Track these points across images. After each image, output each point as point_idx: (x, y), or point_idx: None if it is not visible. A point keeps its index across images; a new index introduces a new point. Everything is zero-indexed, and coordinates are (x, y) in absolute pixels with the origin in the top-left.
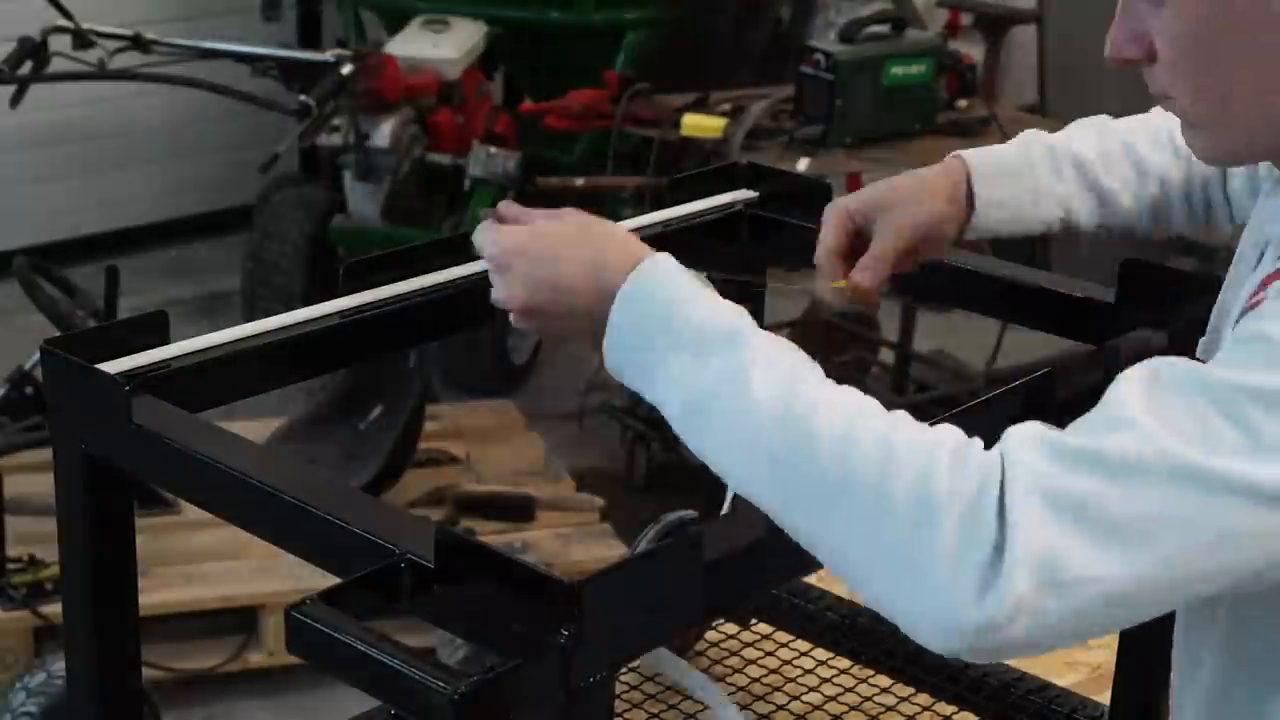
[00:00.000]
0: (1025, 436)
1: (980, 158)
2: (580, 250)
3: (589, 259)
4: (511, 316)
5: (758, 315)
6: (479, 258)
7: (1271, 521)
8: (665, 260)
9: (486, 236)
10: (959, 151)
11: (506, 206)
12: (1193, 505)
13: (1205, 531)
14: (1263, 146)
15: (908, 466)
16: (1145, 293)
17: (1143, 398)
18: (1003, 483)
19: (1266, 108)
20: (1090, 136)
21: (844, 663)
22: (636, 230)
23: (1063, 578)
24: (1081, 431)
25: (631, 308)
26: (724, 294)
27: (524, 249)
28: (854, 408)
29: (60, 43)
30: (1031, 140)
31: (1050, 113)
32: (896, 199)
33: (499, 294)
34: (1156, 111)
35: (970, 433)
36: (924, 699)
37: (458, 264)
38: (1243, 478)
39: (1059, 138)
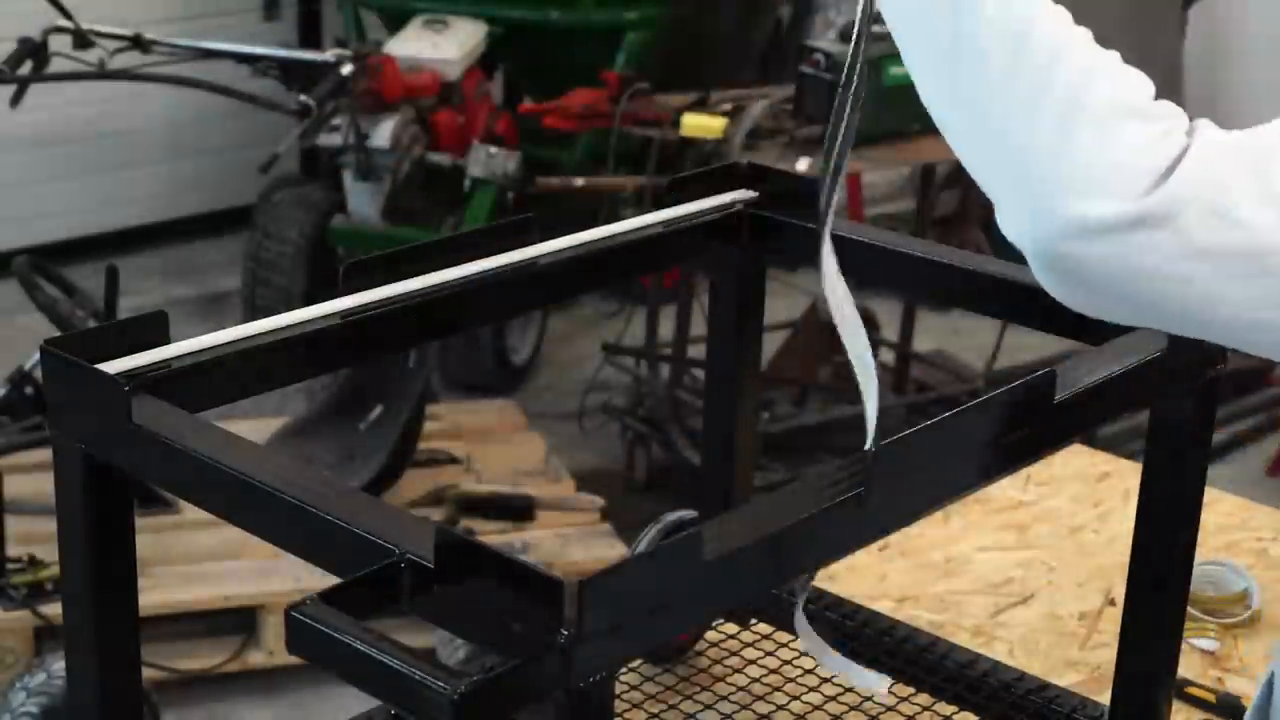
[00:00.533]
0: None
1: None
2: None
3: None
4: None
5: (758, 315)
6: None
7: None
8: None
9: None
10: None
11: None
12: None
13: None
14: None
15: (1111, 79)
16: None
17: None
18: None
19: None
20: None
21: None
22: (636, 230)
23: (1223, 207)
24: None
25: None
26: (724, 295)
27: None
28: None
29: (60, 43)
30: None
31: None
32: None
33: None
34: None
35: (969, 432)
36: (924, 699)
37: (458, 264)
38: None
39: None
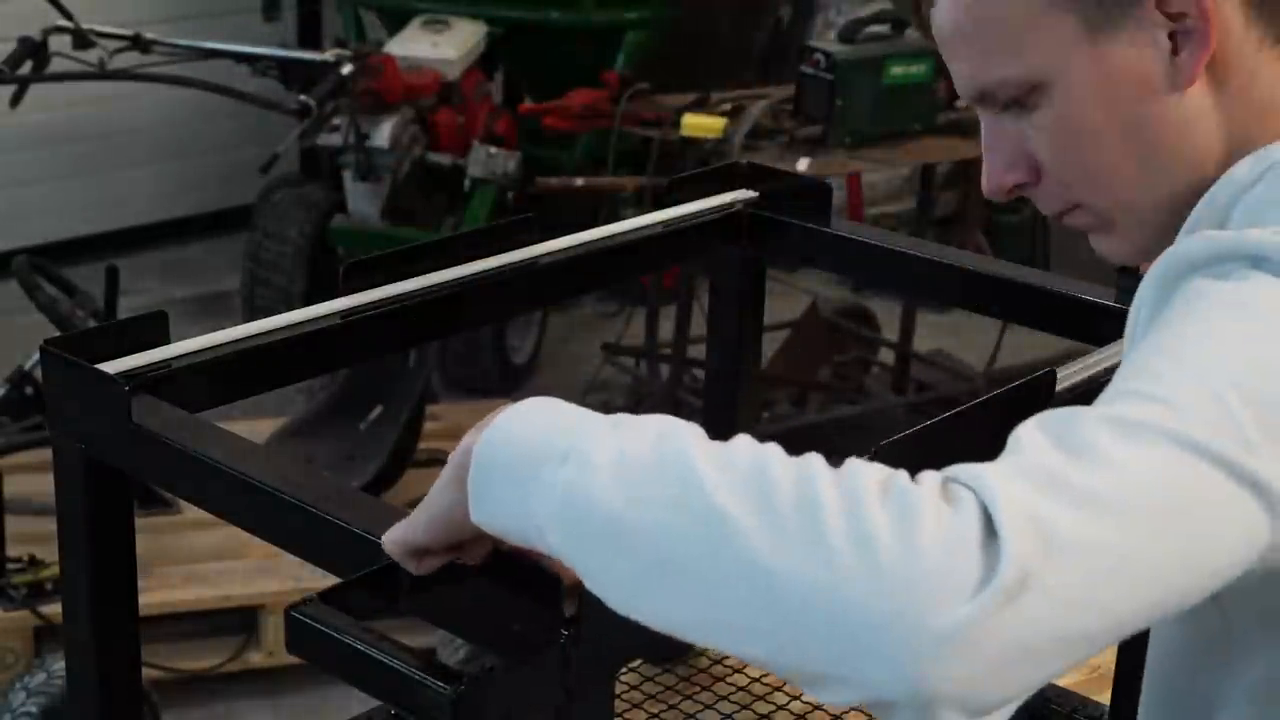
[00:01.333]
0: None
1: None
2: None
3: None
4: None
5: (758, 315)
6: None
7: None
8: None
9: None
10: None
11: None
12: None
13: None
14: (1173, 220)
15: (829, 506)
16: None
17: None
18: (962, 481)
19: (1168, 176)
20: None
21: None
22: (636, 230)
23: (1059, 543)
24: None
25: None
26: (724, 295)
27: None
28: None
29: (60, 43)
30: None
31: None
32: None
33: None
34: None
35: (969, 432)
36: None
37: (458, 264)
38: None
39: None
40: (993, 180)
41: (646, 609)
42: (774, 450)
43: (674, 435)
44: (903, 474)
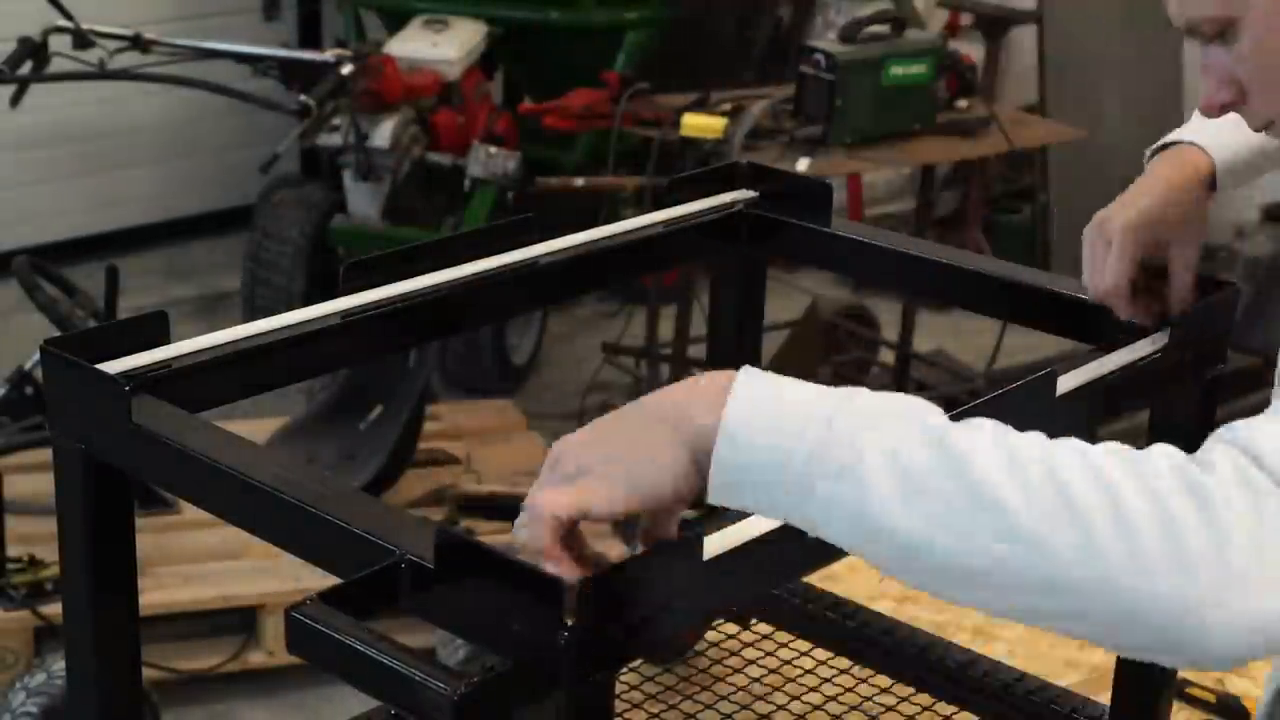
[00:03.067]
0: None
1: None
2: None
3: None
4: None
5: (758, 315)
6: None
7: None
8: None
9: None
10: (1196, 144)
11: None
12: None
13: None
14: None
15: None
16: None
17: None
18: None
19: None
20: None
21: (844, 663)
22: (636, 230)
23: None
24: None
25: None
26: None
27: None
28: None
29: (60, 43)
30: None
31: (1050, 113)
32: (1183, 217)
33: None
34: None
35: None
36: (924, 699)
37: (458, 264)
38: None
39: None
40: (1206, 100)
41: (956, 599)
42: (1045, 448)
43: (942, 440)
44: (1191, 465)
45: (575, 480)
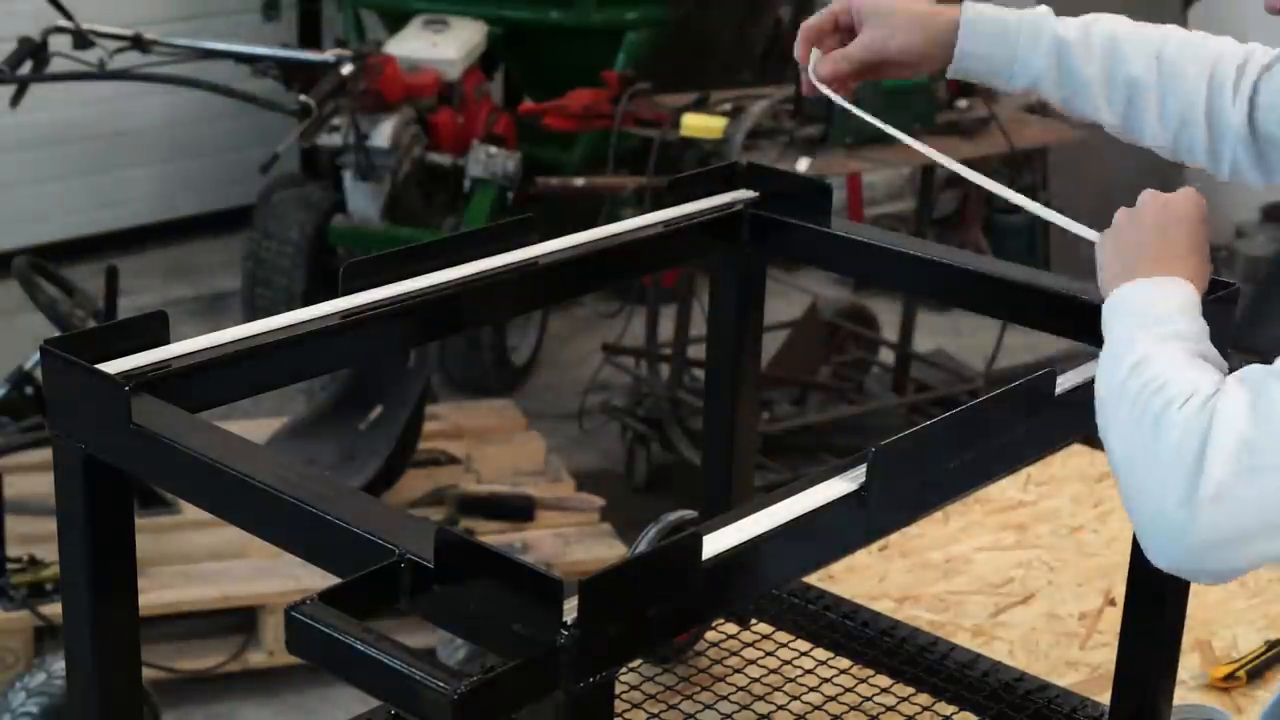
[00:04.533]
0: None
1: (978, 9)
2: None
3: None
4: None
5: (758, 315)
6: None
7: None
8: None
9: None
10: (968, 3)
11: None
12: None
13: None
14: None
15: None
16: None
17: None
18: (1216, 395)
19: None
20: (1082, 23)
21: (844, 663)
22: (636, 230)
23: (1257, 463)
24: None
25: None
26: (724, 295)
27: None
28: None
29: (60, 43)
30: (1034, 13)
31: (1051, 112)
32: (890, 21)
33: None
34: (1171, 29)
35: (969, 432)
36: (924, 699)
37: (458, 264)
38: None
39: (1057, 19)
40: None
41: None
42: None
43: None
44: (1214, 401)
45: None
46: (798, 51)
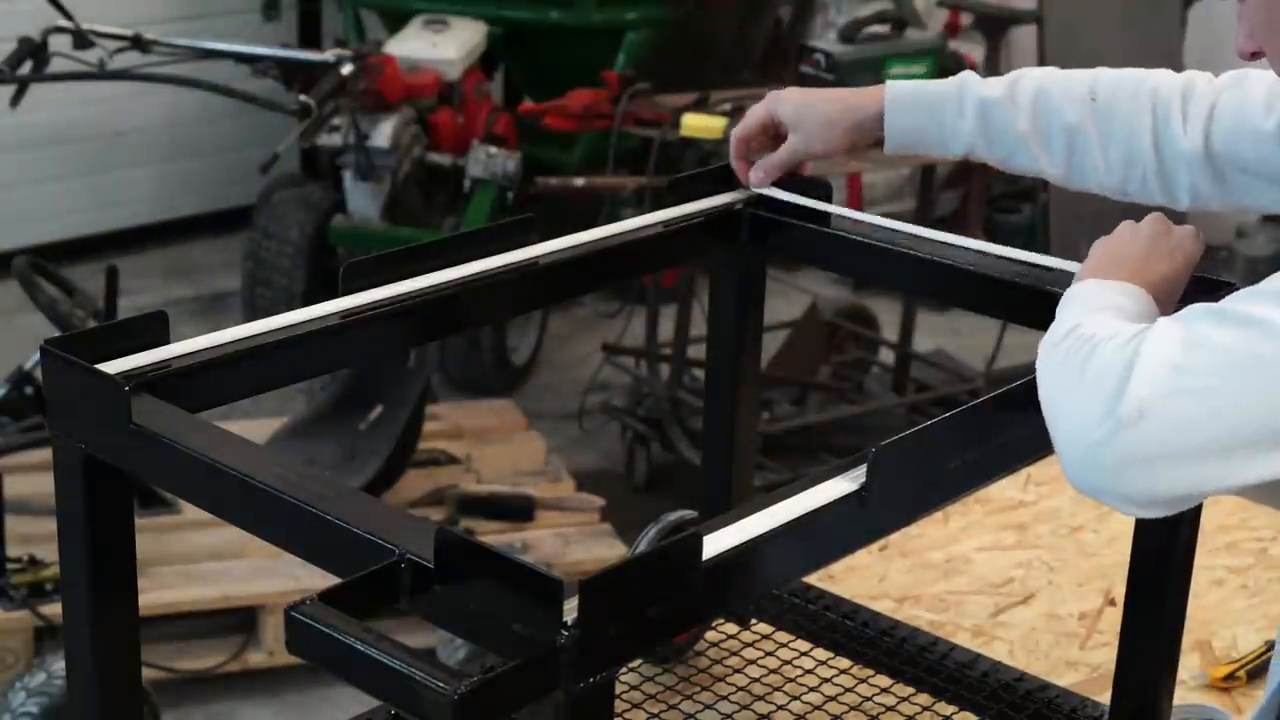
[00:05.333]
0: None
1: (898, 90)
2: None
3: None
4: None
5: (758, 315)
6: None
7: None
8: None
9: None
10: (890, 82)
11: None
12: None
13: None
14: None
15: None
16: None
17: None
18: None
19: None
20: (1006, 81)
21: (844, 663)
22: (636, 230)
23: (1185, 384)
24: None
25: None
26: (724, 295)
27: None
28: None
29: (60, 43)
30: (956, 81)
31: None
32: (809, 123)
33: None
34: (1101, 71)
35: (969, 432)
36: (924, 699)
37: (458, 264)
38: None
39: (980, 81)
40: (1238, 48)
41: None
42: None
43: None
44: (1144, 333)
45: None
46: (734, 165)
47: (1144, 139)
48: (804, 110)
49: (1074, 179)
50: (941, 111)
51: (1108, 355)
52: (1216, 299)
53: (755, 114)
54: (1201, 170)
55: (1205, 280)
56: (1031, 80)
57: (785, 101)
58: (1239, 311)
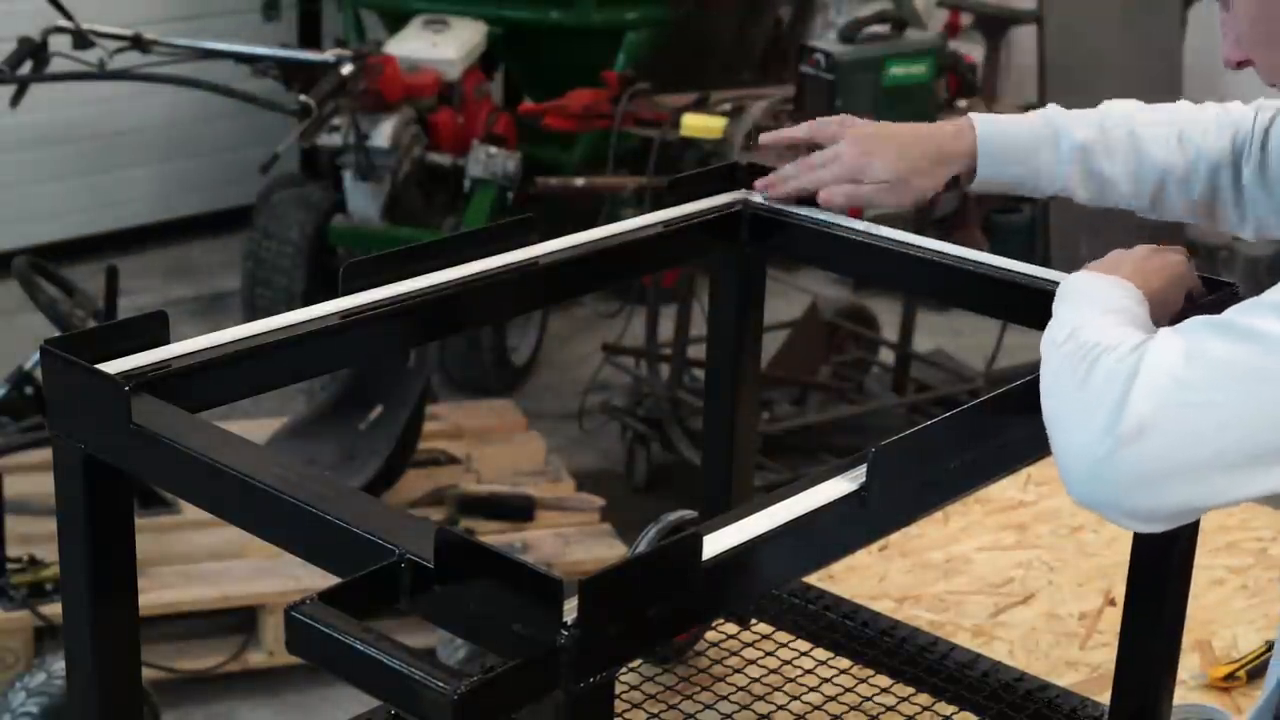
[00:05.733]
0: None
1: (991, 137)
2: None
3: None
4: None
5: (758, 315)
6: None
7: None
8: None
9: None
10: (973, 117)
11: None
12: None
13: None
14: None
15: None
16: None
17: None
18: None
19: None
20: (1096, 122)
21: (844, 663)
22: (636, 230)
23: (1187, 399)
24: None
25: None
26: (724, 295)
27: None
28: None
29: (60, 43)
30: (1045, 120)
31: None
32: (902, 187)
33: None
34: (1182, 106)
35: (969, 432)
36: (924, 699)
37: (458, 264)
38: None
39: (1071, 120)
40: (1224, 57)
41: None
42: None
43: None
44: (1145, 344)
45: None
46: (756, 159)
47: (1226, 174)
48: (900, 165)
49: (1158, 213)
50: (1037, 157)
51: (1109, 367)
52: (1217, 299)
53: (823, 135)
54: (1261, 198)
55: (1205, 279)
56: (1120, 119)
57: (877, 159)
58: (1241, 324)
